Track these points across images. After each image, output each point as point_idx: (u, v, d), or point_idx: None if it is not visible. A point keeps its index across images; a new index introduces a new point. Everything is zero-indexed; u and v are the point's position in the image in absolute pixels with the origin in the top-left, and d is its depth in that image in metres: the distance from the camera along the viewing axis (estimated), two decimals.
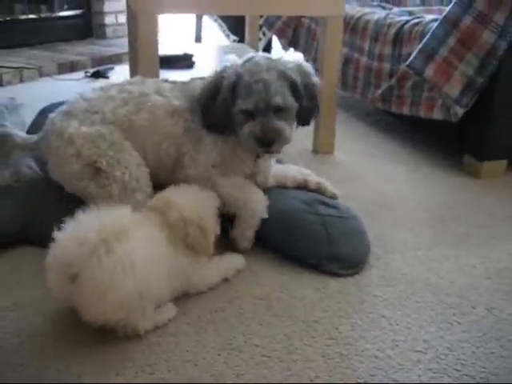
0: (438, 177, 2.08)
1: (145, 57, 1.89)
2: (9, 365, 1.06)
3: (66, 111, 1.45)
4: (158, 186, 1.43)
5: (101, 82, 2.99)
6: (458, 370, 1.09)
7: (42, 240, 1.46)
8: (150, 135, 1.46)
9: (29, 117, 1.87)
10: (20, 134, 1.51)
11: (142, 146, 1.45)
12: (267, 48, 3.72)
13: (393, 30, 2.34)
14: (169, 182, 1.40)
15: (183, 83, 1.55)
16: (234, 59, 1.45)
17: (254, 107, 1.36)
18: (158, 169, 1.48)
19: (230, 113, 1.39)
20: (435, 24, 1.99)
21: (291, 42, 3.25)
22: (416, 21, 2.24)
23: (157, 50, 1.89)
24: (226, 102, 1.39)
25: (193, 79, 1.57)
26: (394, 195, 1.91)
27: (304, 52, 3.16)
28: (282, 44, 3.53)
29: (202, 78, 1.54)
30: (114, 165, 1.38)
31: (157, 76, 1.88)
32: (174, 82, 1.56)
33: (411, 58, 2.01)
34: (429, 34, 1.98)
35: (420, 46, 2.00)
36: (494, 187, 1.99)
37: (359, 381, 1.05)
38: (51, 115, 1.48)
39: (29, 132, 1.65)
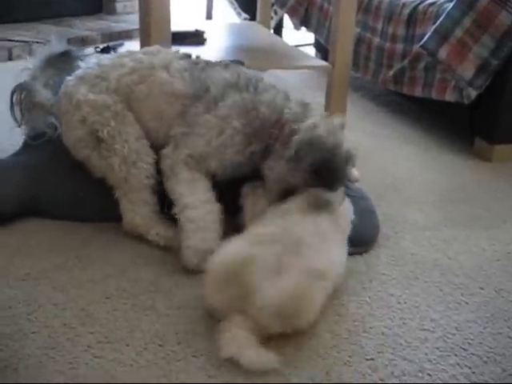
0: (448, 159, 2.08)
1: (157, 32, 1.87)
2: (21, 332, 1.07)
3: (80, 76, 1.45)
4: None
5: None
6: (465, 350, 1.09)
7: (54, 213, 1.48)
8: (142, 110, 1.42)
9: None
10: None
11: (138, 118, 1.43)
12: (278, 27, 3.69)
13: (407, 10, 2.31)
14: None
15: (201, 69, 1.43)
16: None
17: None
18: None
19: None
20: (451, 4, 1.96)
21: (303, 21, 3.22)
22: (431, 1, 2.21)
23: (169, 26, 1.88)
24: None
25: (215, 66, 1.45)
26: (404, 176, 1.90)
27: (316, 32, 3.13)
28: (293, 23, 3.50)
29: (226, 66, 1.44)
30: (114, 136, 1.38)
31: None
32: (193, 62, 1.46)
33: (425, 38, 1.99)
34: (444, 14, 1.96)
35: (435, 26, 1.97)
36: (505, 171, 1.98)
37: (367, 357, 1.06)
38: (68, 77, 1.48)
39: None
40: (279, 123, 1.33)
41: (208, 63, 1.46)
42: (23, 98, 1.52)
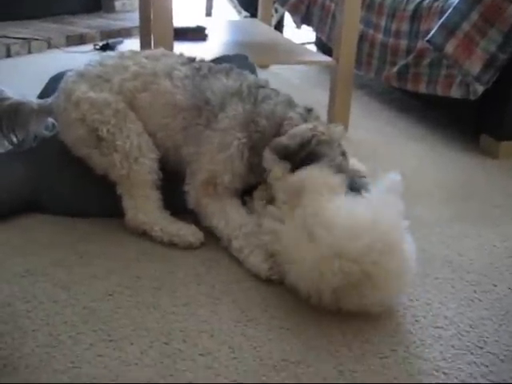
0: (454, 156, 2.04)
1: (159, 28, 1.84)
2: (20, 330, 1.03)
3: (81, 73, 1.43)
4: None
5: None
6: (480, 348, 1.06)
7: (54, 207, 1.44)
8: (147, 119, 1.40)
9: (36, 88, 1.82)
10: (34, 100, 1.50)
11: (145, 126, 1.40)
12: (279, 25, 3.65)
13: (411, 6, 2.27)
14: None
15: (203, 76, 1.40)
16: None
17: None
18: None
19: None
20: None
21: (304, 19, 3.18)
22: None
23: (171, 21, 1.84)
24: None
25: (217, 72, 1.42)
26: (410, 172, 1.87)
27: (317, 30, 3.10)
28: (294, 21, 3.46)
29: (228, 73, 1.42)
30: (115, 133, 1.35)
31: (171, 47, 1.83)
32: (196, 68, 1.43)
33: (432, 32, 1.95)
34: (451, 8, 1.92)
35: (441, 20, 1.94)
36: (511, 168, 1.95)
37: (380, 355, 1.02)
38: (68, 73, 1.45)
39: (40, 98, 1.61)
40: (278, 135, 1.31)
41: (211, 69, 1.44)
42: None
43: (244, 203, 1.37)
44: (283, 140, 1.29)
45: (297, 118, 1.33)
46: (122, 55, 1.48)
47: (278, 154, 1.26)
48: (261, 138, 1.33)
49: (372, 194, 1.21)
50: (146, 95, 1.40)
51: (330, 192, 1.17)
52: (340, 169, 1.26)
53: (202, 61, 1.49)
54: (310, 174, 1.21)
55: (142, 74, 1.41)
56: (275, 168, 1.26)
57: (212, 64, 1.48)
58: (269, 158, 1.29)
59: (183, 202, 1.37)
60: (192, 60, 1.48)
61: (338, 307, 1.10)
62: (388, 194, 1.21)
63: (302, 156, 1.25)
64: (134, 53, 1.50)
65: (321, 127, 1.31)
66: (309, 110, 1.37)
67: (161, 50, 1.52)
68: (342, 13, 2.04)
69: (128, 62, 1.44)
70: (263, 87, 1.41)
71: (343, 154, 1.32)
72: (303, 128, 1.30)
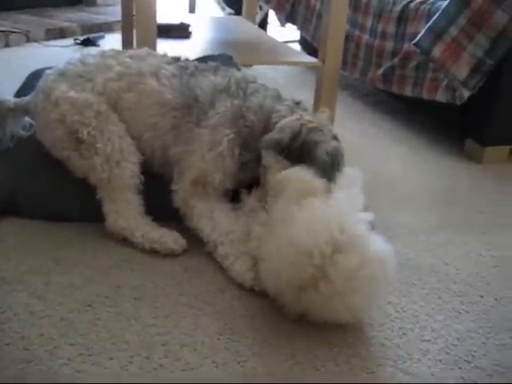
0: (439, 160, 2.03)
1: (142, 24, 1.79)
2: None
3: (61, 72, 1.38)
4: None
5: (90, 50, 2.87)
6: (468, 362, 1.04)
7: (31, 210, 1.39)
8: (134, 120, 1.36)
9: (13, 83, 1.76)
10: (10, 98, 1.45)
11: (127, 127, 1.36)
12: (263, 23, 3.61)
13: (398, 8, 2.26)
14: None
15: (190, 74, 1.38)
16: None
17: None
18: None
19: None
20: (446, 2, 1.91)
21: (289, 17, 3.16)
22: None
23: (155, 18, 1.79)
24: None
25: (204, 70, 1.40)
26: (395, 177, 1.86)
27: (301, 28, 3.07)
28: (278, 19, 3.43)
29: (215, 70, 1.39)
30: (96, 136, 1.31)
31: (154, 45, 1.78)
32: (182, 67, 1.40)
33: (419, 36, 1.93)
34: (439, 11, 1.91)
35: (429, 24, 1.92)
36: (496, 173, 1.95)
37: (367, 370, 1.00)
38: (47, 71, 1.41)
39: (17, 97, 1.55)
40: (267, 129, 1.30)
41: (197, 67, 1.42)
42: None
43: (238, 199, 1.32)
44: (274, 135, 1.27)
45: (285, 109, 1.32)
46: (103, 54, 1.44)
47: (274, 149, 1.23)
48: (250, 134, 1.31)
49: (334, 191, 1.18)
50: (132, 95, 1.36)
51: (308, 196, 1.13)
52: (336, 152, 1.26)
53: (188, 60, 1.46)
54: (290, 175, 1.19)
55: (126, 73, 1.37)
56: (274, 165, 1.24)
57: (198, 63, 1.44)
58: (267, 155, 1.26)
59: (165, 207, 1.33)
60: (177, 59, 1.44)
61: (303, 312, 1.07)
62: (349, 189, 1.18)
63: (295, 147, 1.23)
64: (117, 52, 1.45)
65: (307, 116, 1.30)
66: (297, 103, 1.37)
67: (145, 50, 1.48)
68: (329, 13, 2.02)
69: (111, 62, 1.39)
70: (252, 82, 1.39)
71: (335, 137, 1.31)
72: (290, 119, 1.29)
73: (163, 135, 1.36)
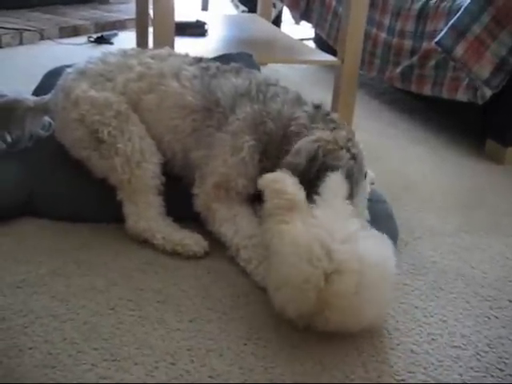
0: (459, 161, 2.00)
1: (160, 22, 1.77)
2: (16, 348, 0.96)
3: (81, 70, 1.36)
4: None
5: (104, 48, 2.86)
6: (501, 370, 1.01)
7: (49, 211, 1.37)
8: (154, 121, 1.34)
9: (27, 81, 1.74)
10: (30, 97, 1.44)
11: (147, 128, 1.34)
12: (277, 21, 3.59)
13: (417, 5, 2.22)
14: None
15: (212, 75, 1.35)
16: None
17: None
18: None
19: None
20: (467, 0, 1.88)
21: (303, 15, 3.12)
22: None
23: (173, 16, 1.77)
24: None
25: (226, 72, 1.37)
26: (417, 177, 1.83)
27: (317, 26, 3.04)
28: (293, 17, 3.41)
29: (237, 72, 1.36)
30: (116, 136, 1.29)
31: (172, 43, 1.76)
32: (204, 68, 1.37)
33: (441, 34, 1.90)
34: (462, 9, 1.87)
35: (451, 21, 1.88)
36: None
37: (397, 377, 0.97)
38: (68, 70, 1.39)
39: (35, 95, 1.54)
40: (286, 138, 1.26)
41: (219, 68, 1.39)
42: None
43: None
44: (290, 159, 1.22)
45: (304, 117, 1.28)
46: (125, 53, 1.42)
47: (292, 173, 1.19)
48: (269, 141, 1.28)
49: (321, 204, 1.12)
50: (153, 97, 1.34)
51: (287, 212, 1.08)
52: (350, 174, 1.21)
53: (210, 60, 1.43)
54: (267, 185, 1.14)
55: (147, 74, 1.35)
56: None
57: (220, 64, 1.42)
58: None
59: (187, 208, 1.31)
60: (199, 60, 1.42)
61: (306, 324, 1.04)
62: (335, 199, 1.12)
63: (313, 171, 1.19)
64: (138, 51, 1.44)
65: (325, 135, 1.24)
66: (317, 107, 1.32)
67: (167, 50, 1.46)
68: (348, 12, 1.99)
69: (132, 61, 1.38)
70: (273, 85, 1.36)
71: (353, 157, 1.25)
72: (307, 141, 1.23)
73: (184, 138, 1.34)
